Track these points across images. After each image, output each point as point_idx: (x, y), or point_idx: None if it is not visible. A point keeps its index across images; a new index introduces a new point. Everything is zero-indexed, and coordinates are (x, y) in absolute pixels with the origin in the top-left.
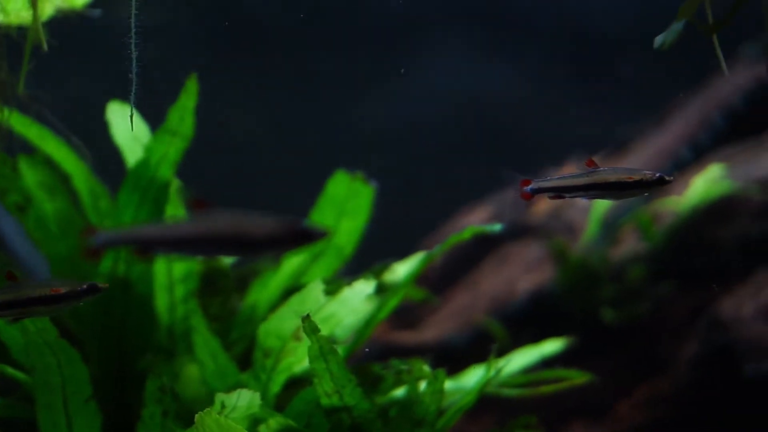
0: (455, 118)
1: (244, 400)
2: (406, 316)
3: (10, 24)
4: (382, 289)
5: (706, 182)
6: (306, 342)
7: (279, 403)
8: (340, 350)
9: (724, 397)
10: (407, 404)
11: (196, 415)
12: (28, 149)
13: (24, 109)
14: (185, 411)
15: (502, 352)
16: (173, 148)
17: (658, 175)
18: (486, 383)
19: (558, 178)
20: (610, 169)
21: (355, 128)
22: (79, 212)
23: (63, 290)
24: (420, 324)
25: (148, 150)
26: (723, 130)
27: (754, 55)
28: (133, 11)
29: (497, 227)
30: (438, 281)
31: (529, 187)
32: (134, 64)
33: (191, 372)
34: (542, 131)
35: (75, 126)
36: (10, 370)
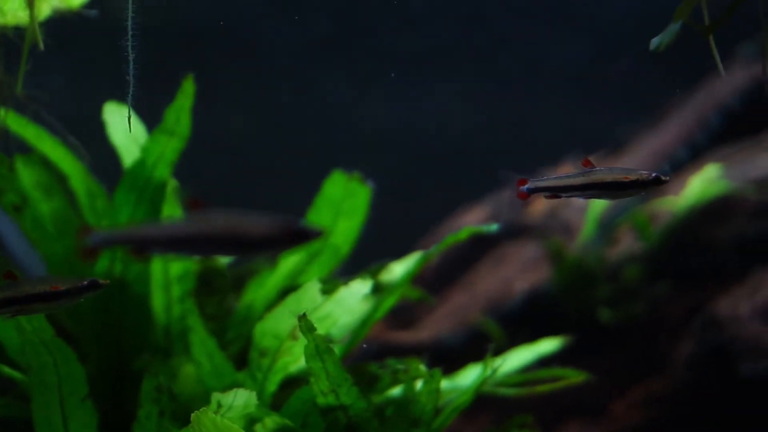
0: (452, 118)
1: (241, 399)
2: (402, 315)
3: (7, 24)
4: (378, 289)
5: (702, 182)
6: (302, 341)
7: (275, 403)
8: (337, 350)
9: (721, 397)
10: (403, 403)
11: (193, 415)
12: (25, 149)
13: (21, 109)
14: (182, 410)
15: (499, 351)
16: (170, 149)
17: (654, 175)
18: (482, 383)
19: (554, 178)
20: (606, 169)
21: (352, 128)
22: (75, 212)
23: (63, 287)
24: (416, 323)
25: (145, 150)
26: (719, 130)
27: (751, 55)
28: (130, 12)
29: (494, 227)
30: (435, 281)
31: (526, 186)
32: (131, 65)
33: (188, 371)
34: (539, 131)
35: (72, 126)
36: (6, 370)
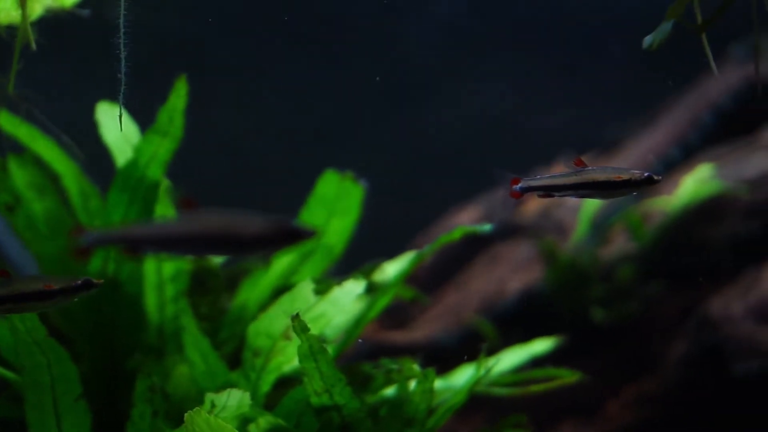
0: (446, 117)
1: (234, 399)
2: (396, 315)
3: None
4: (372, 289)
5: (695, 182)
6: (296, 341)
7: (269, 403)
8: (330, 349)
9: (714, 397)
10: (397, 403)
11: (186, 415)
12: (18, 149)
13: (14, 108)
14: (175, 410)
15: (492, 351)
16: (163, 149)
17: (646, 174)
18: (476, 382)
19: (547, 177)
20: (599, 169)
21: (345, 127)
22: (68, 212)
23: (56, 286)
24: (410, 323)
25: (138, 150)
26: (712, 129)
27: (743, 55)
28: (122, 11)
29: (487, 227)
30: (428, 281)
31: (519, 185)
32: (123, 64)
33: (181, 371)
34: (532, 130)
35: (65, 126)
36: None
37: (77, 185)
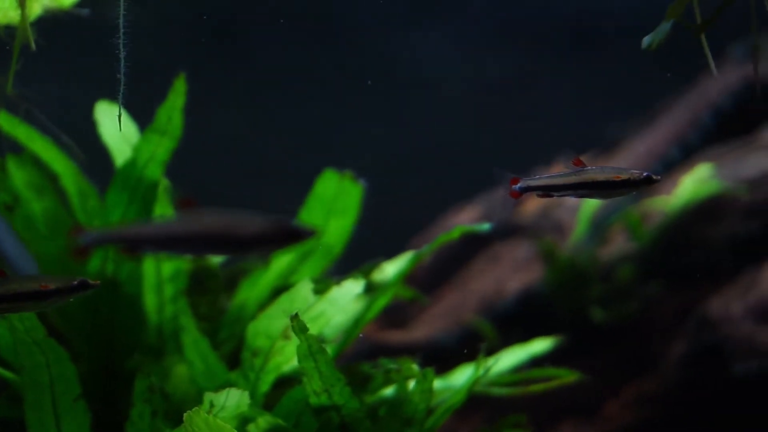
0: (445, 116)
1: (233, 399)
2: (395, 315)
3: None
4: (371, 289)
5: (694, 182)
6: (295, 341)
7: (268, 403)
8: (329, 349)
9: (713, 397)
10: (396, 403)
11: (185, 414)
12: (17, 149)
13: (12, 108)
14: (174, 410)
15: (491, 351)
16: (162, 148)
17: (645, 174)
18: (475, 382)
19: (547, 177)
20: (598, 168)
21: (344, 127)
22: (67, 212)
23: (52, 286)
24: (409, 323)
25: (137, 150)
26: (712, 129)
27: (742, 55)
28: (122, 11)
29: (486, 227)
30: (427, 281)
31: (518, 185)
32: (122, 64)
33: (180, 371)
34: (531, 130)
35: (63, 125)
36: None
37: (76, 185)
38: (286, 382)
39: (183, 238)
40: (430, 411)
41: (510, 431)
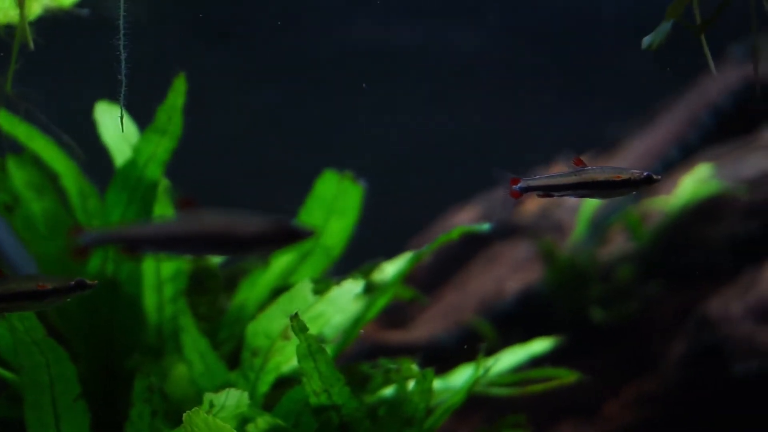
0: (445, 117)
1: (233, 399)
2: (395, 315)
3: None
4: (370, 289)
5: (694, 182)
6: (294, 341)
7: (267, 403)
8: (329, 349)
9: (713, 397)
10: (396, 403)
11: (185, 414)
12: (17, 149)
13: (12, 107)
14: (174, 410)
15: (491, 351)
16: (161, 148)
17: (645, 174)
18: (474, 382)
19: (547, 177)
20: (598, 168)
21: (344, 127)
22: (67, 212)
23: (49, 286)
24: (409, 323)
25: (137, 150)
26: (711, 129)
27: (742, 55)
28: (122, 11)
29: (486, 227)
30: (427, 281)
31: (518, 185)
32: (123, 64)
33: (180, 371)
34: (531, 130)
35: (63, 125)
36: None
37: (76, 185)
38: (285, 382)
39: (182, 238)
40: (429, 411)
41: (509, 431)
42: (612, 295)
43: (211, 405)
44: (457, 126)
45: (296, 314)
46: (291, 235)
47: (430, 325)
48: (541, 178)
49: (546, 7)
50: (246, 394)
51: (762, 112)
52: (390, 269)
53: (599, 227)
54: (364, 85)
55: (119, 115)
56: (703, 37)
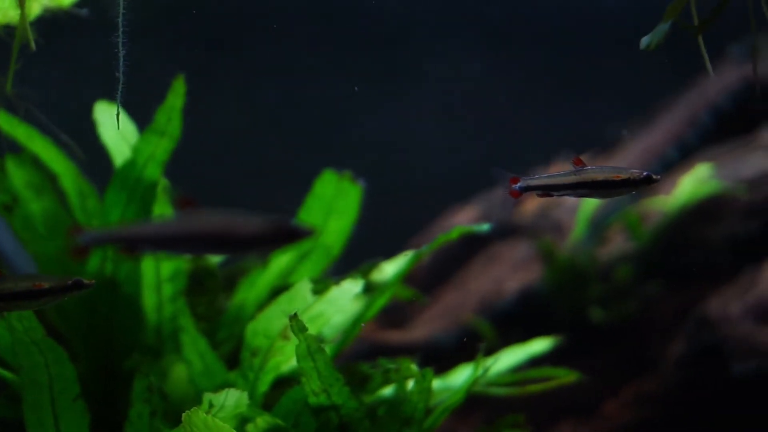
0: (444, 116)
1: (232, 399)
2: (394, 315)
3: None
4: (370, 289)
5: (693, 182)
6: (294, 341)
7: (267, 402)
8: (328, 349)
9: (712, 397)
10: (395, 403)
11: (184, 414)
12: (16, 149)
13: (12, 108)
14: (173, 410)
15: (490, 351)
16: (160, 149)
17: (645, 173)
18: (474, 382)
19: (546, 177)
20: (597, 168)
21: (343, 128)
22: (66, 212)
23: (46, 285)
24: (408, 323)
25: (136, 150)
26: (710, 129)
27: (741, 55)
28: (121, 11)
29: (485, 227)
30: (426, 281)
31: (518, 185)
32: (121, 64)
33: (179, 371)
34: (531, 130)
35: (62, 125)
36: None
37: (75, 185)
38: (285, 382)
39: (181, 237)
40: (428, 411)
41: (509, 431)
42: (611, 295)
43: (211, 405)
44: (456, 126)
45: (295, 314)
46: (290, 235)
47: (429, 325)
48: (540, 178)
49: (546, 7)
50: (245, 394)
51: (761, 112)
52: (389, 269)
53: (599, 227)
54: (355, 88)
55: (119, 114)
56: (700, 38)
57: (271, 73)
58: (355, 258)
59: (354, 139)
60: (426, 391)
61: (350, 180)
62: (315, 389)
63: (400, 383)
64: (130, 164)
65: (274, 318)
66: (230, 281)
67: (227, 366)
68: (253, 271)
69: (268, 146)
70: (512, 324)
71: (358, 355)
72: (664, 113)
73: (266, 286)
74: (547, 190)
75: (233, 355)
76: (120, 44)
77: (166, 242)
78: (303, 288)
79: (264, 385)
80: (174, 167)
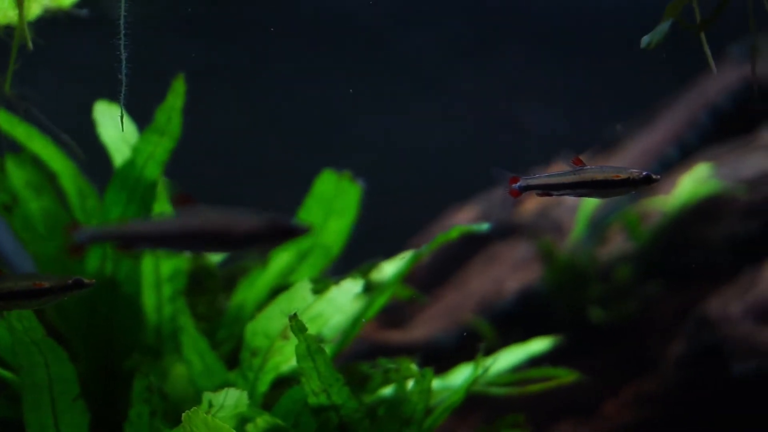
0: (444, 116)
1: (232, 399)
2: (394, 315)
3: None
4: (369, 288)
5: (693, 182)
6: (293, 341)
7: (266, 402)
8: (328, 349)
9: (712, 397)
10: (395, 403)
11: (184, 414)
12: (16, 148)
13: (11, 107)
14: (173, 410)
15: (490, 351)
16: (160, 148)
17: (644, 173)
18: (473, 382)
19: (546, 176)
20: (597, 168)
21: (343, 127)
22: (66, 211)
23: (46, 284)
24: (408, 323)
25: (136, 150)
26: (710, 129)
27: (741, 55)
28: (123, 11)
29: (485, 227)
30: (426, 280)
31: (518, 184)
32: (123, 64)
33: (179, 371)
34: (531, 130)
35: (62, 125)
36: None
37: (75, 184)
38: (284, 382)
39: (178, 235)
40: (428, 411)
41: (508, 431)
42: (611, 295)
43: (210, 405)
44: (456, 125)
45: (295, 314)
46: (287, 232)
47: (429, 324)
48: (540, 177)
49: (546, 7)
50: (245, 394)
51: (761, 112)
52: (389, 269)
53: (598, 227)
54: (350, 90)
55: (119, 114)
56: (703, 36)
57: (271, 73)
58: (354, 258)
59: (354, 139)
60: (426, 391)
61: (350, 180)
62: (315, 389)
63: (400, 383)
64: (130, 164)
65: (274, 318)
66: (230, 281)
67: (227, 366)
68: (253, 271)
69: (268, 146)
70: (512, 324)
71: (358, 354)
72: (664, 113)
73: (266, 286)
74: (546, 190)
75: (233, 355)
76: (122, 45)
77: (163, 239)
78: (303, 288)
79: (264, 385)
80: (174, 167)
